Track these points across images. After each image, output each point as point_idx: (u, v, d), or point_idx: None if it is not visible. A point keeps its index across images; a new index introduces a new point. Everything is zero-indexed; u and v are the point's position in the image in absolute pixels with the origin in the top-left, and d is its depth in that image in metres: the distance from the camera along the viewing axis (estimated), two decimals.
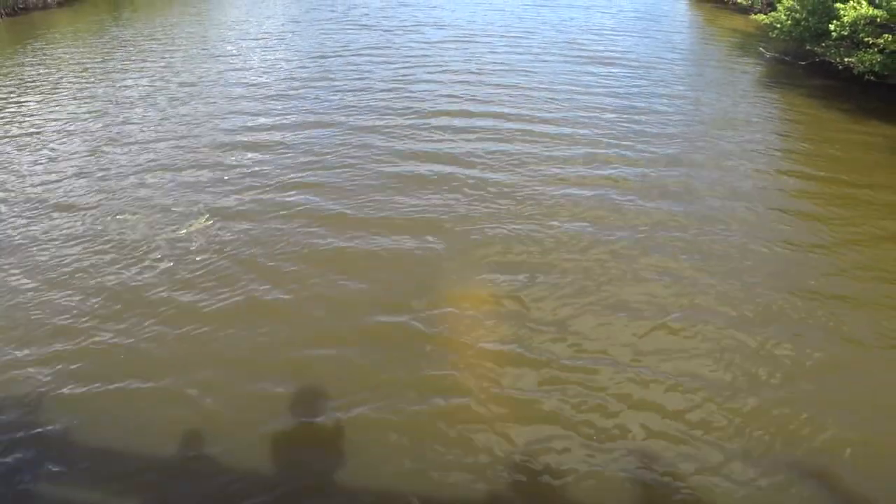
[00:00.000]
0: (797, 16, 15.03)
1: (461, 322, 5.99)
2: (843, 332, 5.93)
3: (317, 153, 10.03)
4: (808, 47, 14.98)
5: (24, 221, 8.02)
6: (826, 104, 12.74)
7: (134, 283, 6.62)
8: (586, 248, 7.26)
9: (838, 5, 12.27)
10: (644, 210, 8.19)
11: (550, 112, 11.95)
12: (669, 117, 11.87)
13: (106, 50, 17.64)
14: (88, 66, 15.93)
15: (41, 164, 9.87)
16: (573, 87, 13.59)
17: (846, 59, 13.16)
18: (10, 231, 7.80)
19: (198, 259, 7.06)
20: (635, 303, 6.29)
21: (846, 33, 12.29)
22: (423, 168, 9.36)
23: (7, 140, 10.91)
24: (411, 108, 12.16)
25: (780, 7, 16.26)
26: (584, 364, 5.47)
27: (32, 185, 9.09)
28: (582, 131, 10.96)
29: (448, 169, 9.30)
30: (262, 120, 11.74)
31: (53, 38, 19.50)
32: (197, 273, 6.79)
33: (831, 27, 12.40)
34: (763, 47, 17.21)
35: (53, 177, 9.35)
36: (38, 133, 11.20)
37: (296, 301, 6.32)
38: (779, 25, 15.89)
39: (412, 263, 6.97)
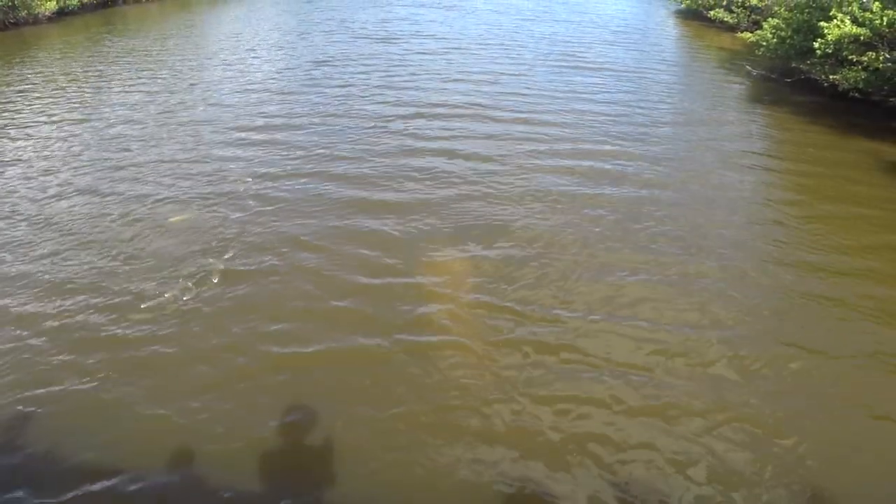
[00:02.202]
0: (782, 34, 15.35)
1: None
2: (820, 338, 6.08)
3: (308, 148, 10.30)
4: (793, 65, 15.27)
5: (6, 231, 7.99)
6: (811, 120, 12.95)
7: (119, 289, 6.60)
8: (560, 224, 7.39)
9: (822, 24, 12.52)
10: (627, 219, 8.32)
11: (542, 114, 12.14)
12: (655, 133, 12.02)
13: (97, 63, 17.64)
14: (79, 78, 15.93)
15: (30, 177, 9.85)
16: (563, 101, 13.79)
17: (831, 77, 13.42)
18: None
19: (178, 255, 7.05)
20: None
21: (830, 51, 12.53)
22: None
23: None
24: (406, 109, 12.66)
25: (765, 26, 16.61)
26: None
27: (19, 199, 9.06)
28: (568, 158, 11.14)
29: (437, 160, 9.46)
30: (258, 122, 12.06)
31: (44, 52, 19.50)
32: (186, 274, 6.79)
33: (816, 45, 12.65)
34: (749, 65, 17.51)
35: (42, 190, 9.33)
36: (25, 147, 11.16)
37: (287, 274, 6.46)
38: (765, 43, 16.22)
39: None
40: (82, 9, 26.94)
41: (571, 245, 7.68)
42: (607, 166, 10.25)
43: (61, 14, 25.65)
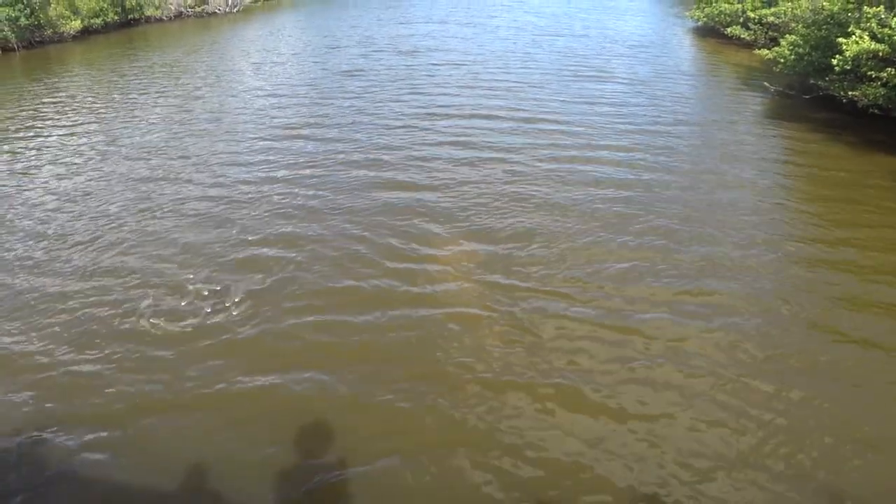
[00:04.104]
0: (800, 50, 15.20)
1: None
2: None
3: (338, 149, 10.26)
4: (812, 81, 15.10)
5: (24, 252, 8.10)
6: (831, 137, 12.79)
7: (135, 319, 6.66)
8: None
9: (841, 40, 12.39)
10: (642, 229, 8.24)
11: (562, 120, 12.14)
12: (675, 149, 11.98)
13: (119, 81, 17.97)
14: (101, 96, 16.23)
15: (49, 194, 10.02)
16: (582, 116, 13.79)
17: (850, 93, 13.24)
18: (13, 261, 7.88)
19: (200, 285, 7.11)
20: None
21: (849, 67, 12.39)
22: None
23: (14, 172, 11.07)
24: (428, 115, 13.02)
25: (783, 42, 16.46)
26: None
27: (38, 216, 9.21)
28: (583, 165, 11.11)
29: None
30: (283, 122, 11.98)
31: (68, 70, 19.92)
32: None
33: (834, 62, 12.51)
34: (767, 82, 17.34)
35: (59, 207, 9.48)
36: (43, 165, 11.36)
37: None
38: (782, 60, 16.07)
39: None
40: (105, 27, 27.52)
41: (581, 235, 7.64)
42: (620, 175, 10.31)
43: (85, 33, 26.22)
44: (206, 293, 6.97)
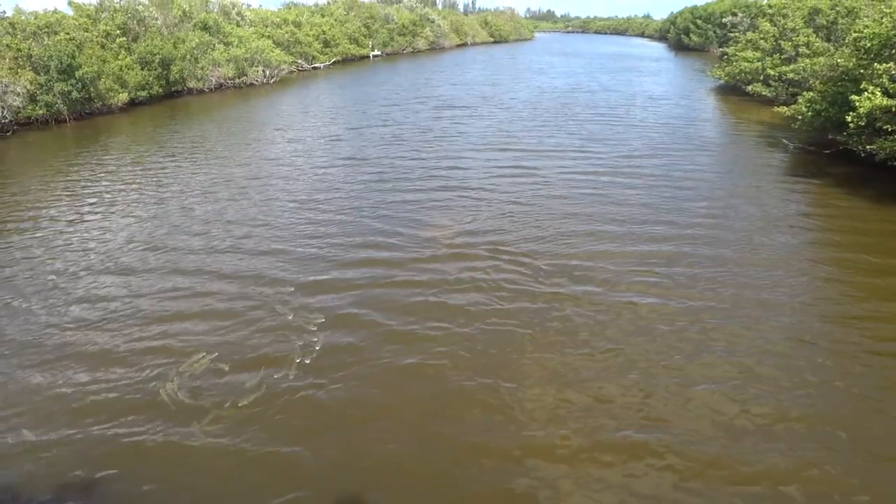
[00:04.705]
0: (817, 107, 15.36)
1: None
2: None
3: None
4: (830, 136, 15.19)
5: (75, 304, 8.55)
6: (851, 191, 12.77)
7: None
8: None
9: (853, 97, 12.55)
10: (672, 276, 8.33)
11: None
12: (699, 207, 12.13)
13: (163, 150, 18.99)
14: (146, 162, 17.16)
15: (97, 256, 10.58)
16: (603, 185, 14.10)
17: (868, 147, 13.28)
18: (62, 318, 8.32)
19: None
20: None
21: (863, 123, 12.49)
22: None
23: (72, 230, 11.74)
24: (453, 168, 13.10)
25: (800, 100, 16.66)
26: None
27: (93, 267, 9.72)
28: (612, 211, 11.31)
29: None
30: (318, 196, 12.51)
31: (114, 141, 21.14)
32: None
33: (848, 118, 12.64)
34: (786, 138, 17.48)
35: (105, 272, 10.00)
36: (93, 226, 12.01)
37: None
38: (800, 117, 16.22)
39: None
40: (150, 99, 29.20)
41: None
42: (637, 229, 10.43)
43: (132, 104, 27.87)
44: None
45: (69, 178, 15.77)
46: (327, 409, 6.18)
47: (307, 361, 6.99)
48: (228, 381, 6.68)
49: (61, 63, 23.49)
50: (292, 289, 8.83)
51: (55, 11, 29.19)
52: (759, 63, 25.10)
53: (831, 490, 5.06)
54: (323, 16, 52.42)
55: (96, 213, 12.72)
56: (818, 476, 5.20)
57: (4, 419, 6.14)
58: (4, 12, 26.68)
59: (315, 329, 7.68)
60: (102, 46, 27.94)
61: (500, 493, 5.15)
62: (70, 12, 30.51)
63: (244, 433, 5.85)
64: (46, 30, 26.03)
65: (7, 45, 23.82)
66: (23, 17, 26.58)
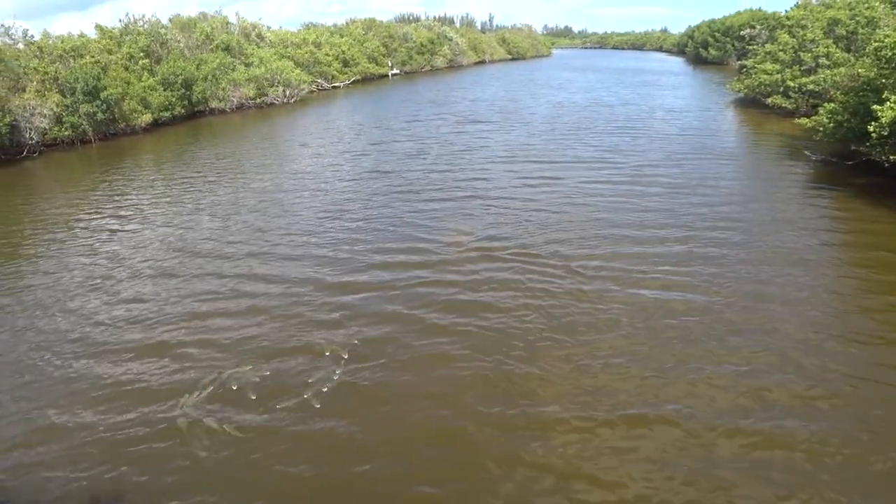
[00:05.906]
0: (839, 118, 15.12)
1: None
2: None
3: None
4: (852, 147, 14.94)
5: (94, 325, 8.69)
6: (874, 201, 12.55)
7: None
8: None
9: (875, 107, 12.36)
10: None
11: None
12: (723, 219, 11.98)
13: (190, 167, 19.29)
14: (175, 178, 17.46)
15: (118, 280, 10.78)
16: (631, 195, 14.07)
17: (892, 157, 13.04)
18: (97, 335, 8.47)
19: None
20: None
21: (886, 133, 12.29)
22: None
23: (116, 239, 11.96)
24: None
25: (821, 111, 16.42)
26: None
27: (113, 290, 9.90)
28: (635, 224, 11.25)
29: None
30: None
31: (139, 160, 21.54)
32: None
33: (870, 128, 12.44)
34: (808, 150, 17.21)
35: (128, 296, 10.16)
36: (120, 244, 12.21)
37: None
38: (822, 128, 15.98)
39: None
40: (173, 120, 29.72)
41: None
42: (656, 248, 10.33)
43: (155, 125, 28.38)
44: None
45: (103, 193, 16.29)
46: (372, 392, 6.76)
47: (346, 355, 7.47)
48: (277, 368, 7.25)
49: (87, 85, 24.07)
50: (327, 290, 9.40)
51: (81, 35, 29.94)
52: (779, 75, 24.87)
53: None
54: (342, 36, 53.15)
55: (133, 222, 13.43)
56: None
57: (66, 405, 6.73)
58: (33, 36, 27.48)
59: (352, 324, 8.24)
60: (126, 68, 28.56)
61: (511, 455, 5.75)
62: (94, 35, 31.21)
63: (303, 416, 6.41)
64: (72, 53, 26.70)
65: (35, 69, 24.48)
66: (50, 42, 27.31)
